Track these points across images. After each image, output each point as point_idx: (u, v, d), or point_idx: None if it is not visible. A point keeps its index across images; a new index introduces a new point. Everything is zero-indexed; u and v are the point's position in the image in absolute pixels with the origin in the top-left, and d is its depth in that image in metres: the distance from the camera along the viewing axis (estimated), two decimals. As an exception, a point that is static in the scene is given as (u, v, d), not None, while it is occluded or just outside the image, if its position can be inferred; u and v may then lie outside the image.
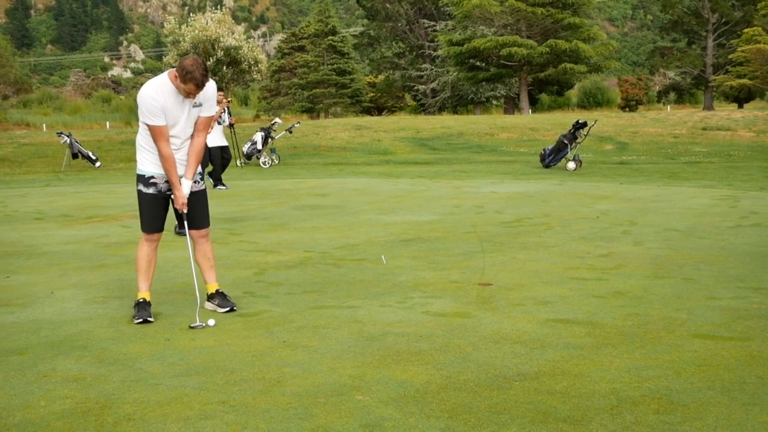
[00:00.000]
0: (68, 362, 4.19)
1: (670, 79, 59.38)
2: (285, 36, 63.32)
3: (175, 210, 5.13)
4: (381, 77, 61.13)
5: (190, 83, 4.65)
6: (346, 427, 3.24)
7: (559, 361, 4.00)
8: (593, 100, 61.10)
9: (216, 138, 13.20)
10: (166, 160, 4.82)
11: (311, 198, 12.08)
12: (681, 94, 58.58)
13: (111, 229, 9.16)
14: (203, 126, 4.96)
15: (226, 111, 13.40)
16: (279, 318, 4.99)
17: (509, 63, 36.73)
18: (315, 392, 3.64)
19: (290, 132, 18.52)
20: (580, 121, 16.50)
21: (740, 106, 47.27)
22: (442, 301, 5.32)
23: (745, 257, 6.57)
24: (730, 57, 39.90)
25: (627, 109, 55.44)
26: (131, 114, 46.52)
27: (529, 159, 19.64)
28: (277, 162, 18.99)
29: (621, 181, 13.88)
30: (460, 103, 51.94)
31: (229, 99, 13.22)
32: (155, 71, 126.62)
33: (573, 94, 62.02)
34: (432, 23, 49.81)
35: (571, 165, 16.02)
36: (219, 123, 13.25)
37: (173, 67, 5.00)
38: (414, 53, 54.44)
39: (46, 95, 66.54)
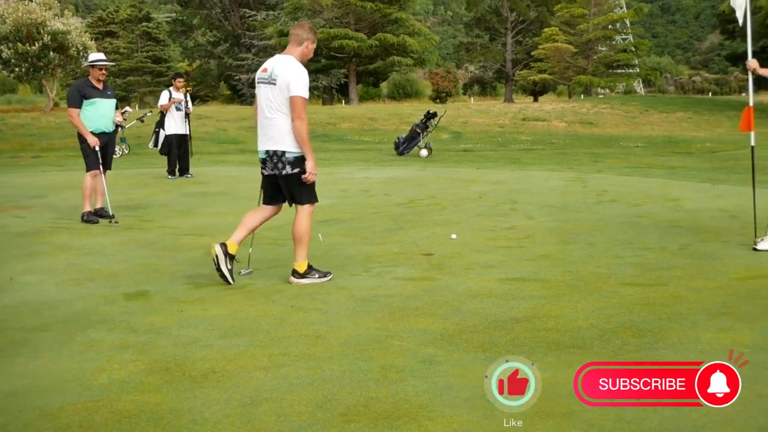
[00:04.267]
0: (102, 334, 4.43)
1: (471, 72, 63.68)
2: (91, 20, 60.15)
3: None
4: (194, 65, 59.97)
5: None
6: (407, 363, 3.89)
7: (535, 308, 4.88)
8: (403, 92, 63.72)
9: (179, 125, 13.19)
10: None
11: (192, 186, 12.22)
12: (484, 87, 63.01)
13: (4, 220, 8.91)
14: None
15: (188, 98, 13.30)
16: (267, 289, 5.48)
17: (339, 55, 37.72)
18: (357, 342, 4.25)
19: (142, 121, 18.14)
20: (431, 111, 17.70)
21: (536, 99, 51.73)
22: (402, 269, 6.04)
23: (621, 226, 7.85)
24: (532, 54, 43.48)
25: (438, 101, 58.51)
26: None
27: (378, 147, 20.66)
28: (127, 152, 18.48)
29: (477, 166, 15.22)
30: (280, 94, 52.14)
31: (188, 87, 13.10)
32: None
33: (384, 86, 64.14)
34: (252, 12, 49.66)
35: (424, 152, 17.20)
36: (178, 109, 13.13)
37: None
38: (229, 42, 53.98)
39: None
